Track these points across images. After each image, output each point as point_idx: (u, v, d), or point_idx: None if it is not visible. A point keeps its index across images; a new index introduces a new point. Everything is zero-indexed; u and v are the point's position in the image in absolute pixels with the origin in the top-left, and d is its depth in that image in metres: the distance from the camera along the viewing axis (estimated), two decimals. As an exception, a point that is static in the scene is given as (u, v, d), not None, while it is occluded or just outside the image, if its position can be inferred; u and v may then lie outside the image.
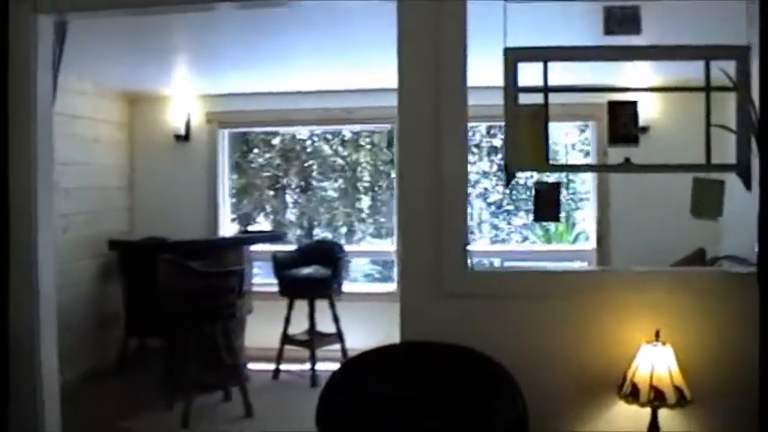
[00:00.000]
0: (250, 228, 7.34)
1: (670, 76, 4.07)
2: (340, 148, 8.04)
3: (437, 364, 2.54)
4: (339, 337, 5.66)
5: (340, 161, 8.03)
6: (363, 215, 8.08)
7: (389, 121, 6.15)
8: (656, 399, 2.41)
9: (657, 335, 2.48)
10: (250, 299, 5.44)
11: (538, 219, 2.95)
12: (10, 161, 2.91)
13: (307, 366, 5.45)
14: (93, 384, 5.33)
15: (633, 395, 2.44)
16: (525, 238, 8.29)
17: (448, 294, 2.68)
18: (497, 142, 7.92)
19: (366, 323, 5.56)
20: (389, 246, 6.96)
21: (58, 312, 3.15)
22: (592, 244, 6.20)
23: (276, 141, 7.96)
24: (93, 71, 5.40)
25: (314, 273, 5.65)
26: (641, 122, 2.81)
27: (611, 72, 4.64)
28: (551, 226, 7.79)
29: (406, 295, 2.76)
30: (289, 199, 8.16)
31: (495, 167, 8.15)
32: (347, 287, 5.93)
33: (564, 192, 7.80)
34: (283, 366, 5.64)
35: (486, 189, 8.30)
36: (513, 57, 2.61)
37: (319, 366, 5.34)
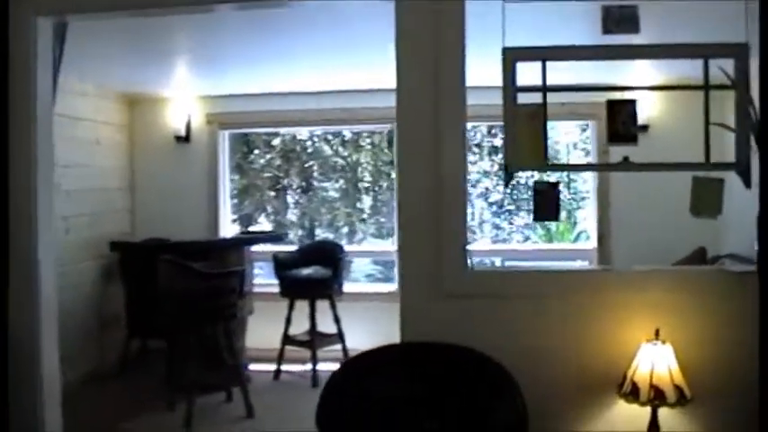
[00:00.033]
0: (251, 228, 7.35)
1: (670, 75, 4.07)
2: (340, 149, 8.04)
3: (437, 364, 2.54)
4: (340, 337, 5.66)
5: (341, 161, 8.03)
6: (364, 215, 8.09)
7: (389, 121, 6.15)
8: (657, 398, 2.41)
9: (657, 334, 2.48)
10: (251, 299, 5.44)
11: (537, 218, 2.95)
12: (10, 161, 2.91)
13: (308, 367, 5.45)
14: (94, 386, 5.32)
15: (633, 394, 2.44)
16: (527, 238, 8.28)
17: (447, 294, 2.68)
18: (498, 142, 7.92)
19: (367, 323, 5.56)
20: (390, 246, 6.96)
21: (59, 314, 3.16)
22: (593, 243, 6.19)
23: (277, 142, 7.97)
24: (94, 73, 5.41)
25: (314, 273, 5.65)
26: (641, 121, 2.82)
27: (610, 71, 4.62)
28: (553, 225, 7.78)
29: (405, 295, 2.76)
30: (290, 199, 8.17)
31: (496, 167, 8.15)
32: (348, 287, 5.93)
33: (565, 191, 7.80)
34: (284, 367, 5.64)
35: (487, 189, 8.29)
36: (512, 56, 2.61)
37: (320, 367, 5.34)
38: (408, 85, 2.73)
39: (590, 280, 2.85)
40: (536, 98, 2.64)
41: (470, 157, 7.86)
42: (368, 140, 7.99)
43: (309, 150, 8.01)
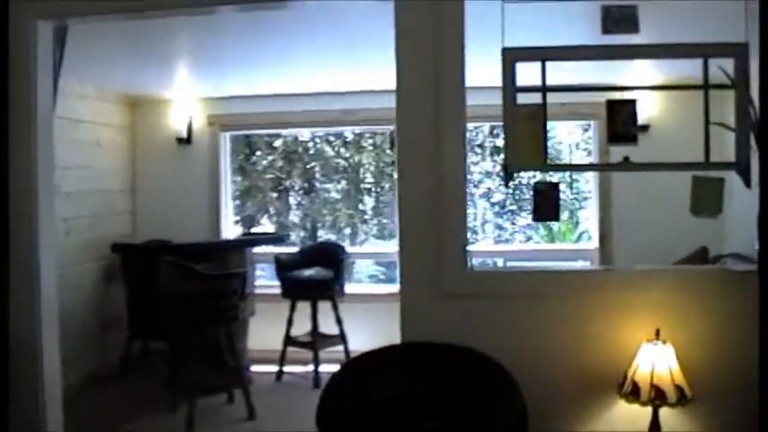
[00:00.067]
0: (253, 230, 7.36)
1: (670, 75, 4.06)
2: (342, 150, 8.04)
3: (437, 364, 2.54)
4: (342, 338, 5.66)
5: (342, 163, 8.03)
6: (366, 216, 8.09)
7: (391, 122, 6.14)
8: (657, 398, 2.40)
9: (658, 333, 2.47)
10: (253, 301, 5.43)
11: (537, 219, 2.95)
12: (11, 163, 2.92)
13: (310, 368, 5.45)
14: (95, 388, 5.32)
15: (634, 394, 2.43)
16: (529, 238, 8.27)
17: (448, 295, 2.68)
18: (501, 142, 7.91)
19: (369, 324, 5.55)
20: (393, 247, 6.96)
21: (60, 315, 3.16)
22: (594, 243, 6.19)
23: (278, 143, 7.98)
24: (95, 75, 5.41)
25: (316, 274, 5.65)
26: (641, 121, 2.82)
27: (611, 71, 4.62)
28: (555, 225, 7.77)
29: (405, 296, 2.75)
30: (292, 201, 8.17)
31: (498, 167, 8.14)
32: (350, 288, 5.93)
33: (568, 191, 7.79)
34: (286, 368, 5.64)
35: (489, 189, 8.29)
36: (512, 57, 2.60)
37: (322, 368, 5.34)
38: (408, 86, 2.73)
39: (590, 280, 2.84)
40: (536, 98, 2.64)
41: (473, 158, 7.86)
42: (370, 141, 7.99)
43: (311, 152, 8.02)
